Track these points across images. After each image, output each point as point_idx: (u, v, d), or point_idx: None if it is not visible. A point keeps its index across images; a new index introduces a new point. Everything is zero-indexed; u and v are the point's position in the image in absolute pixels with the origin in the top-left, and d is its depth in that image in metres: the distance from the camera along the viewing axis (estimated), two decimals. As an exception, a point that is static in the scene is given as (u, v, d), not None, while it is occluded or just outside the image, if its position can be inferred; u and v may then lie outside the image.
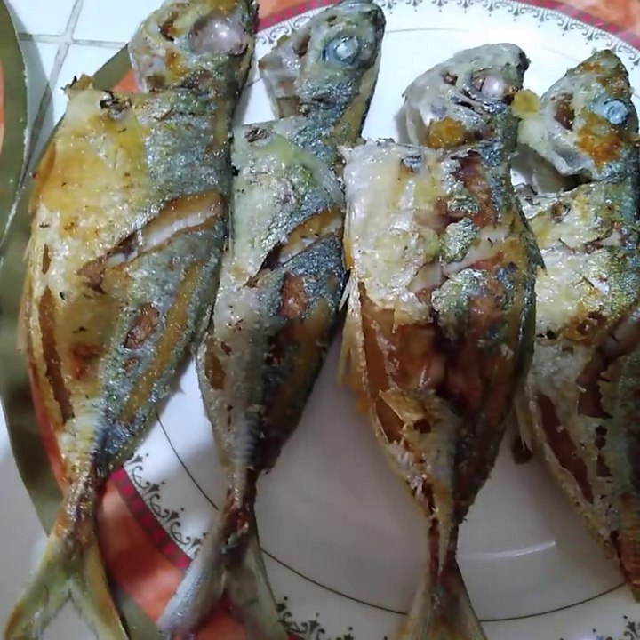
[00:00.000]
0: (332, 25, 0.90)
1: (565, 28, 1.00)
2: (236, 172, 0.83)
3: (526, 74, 0.88)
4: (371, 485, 0.76)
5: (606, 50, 0.92)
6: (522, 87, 0.87)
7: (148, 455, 0.77)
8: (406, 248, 0.74)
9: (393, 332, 0.71)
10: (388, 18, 0.94)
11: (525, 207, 0.81)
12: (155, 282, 0.76)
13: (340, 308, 0.77)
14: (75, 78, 0.84)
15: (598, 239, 0.78)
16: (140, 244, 0.76)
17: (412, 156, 0.78)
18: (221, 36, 0.90)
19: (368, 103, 0.91)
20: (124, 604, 0.68)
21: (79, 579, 0.68)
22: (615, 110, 0.85)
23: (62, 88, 0.83)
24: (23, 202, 0.85)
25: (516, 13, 1.01)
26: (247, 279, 0.78)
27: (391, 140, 0.82)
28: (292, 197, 0.80)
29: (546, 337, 0.75)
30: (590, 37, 0.99)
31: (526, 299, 0.74)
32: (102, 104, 0.80)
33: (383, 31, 0.93)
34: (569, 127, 0.85)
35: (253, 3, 0.94)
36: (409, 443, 0.68)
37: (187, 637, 0.66)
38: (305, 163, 0.83)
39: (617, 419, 0.72)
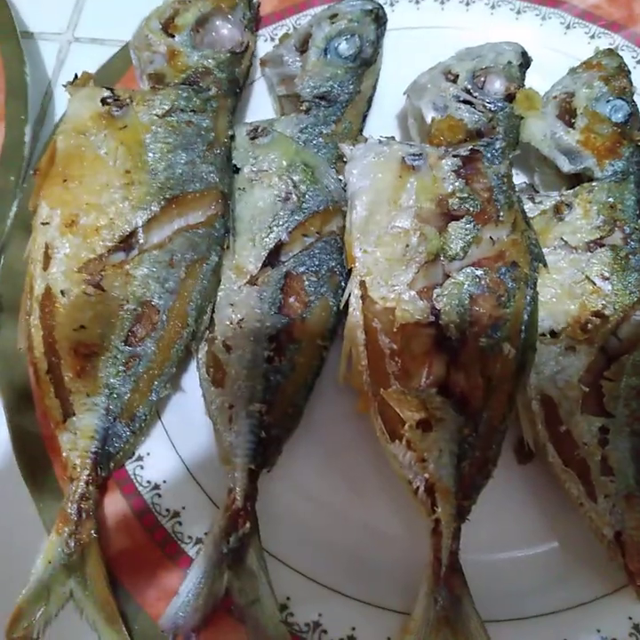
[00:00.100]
0: (333, 23, 0.90)
1: (568, 27, 1.00)
2: (236, 170, 0.83)
3: (528, 72, 0.88)
4: (372, 484, 0.76)
5: (609, 48, 0.91)
6: (524, 85, 0.86)
7: (149, 454, 0.76)
8: (408, 246, 0.74)
9: (394, 330, 0.71)
10: (389, 16, 0.94)
11: (527, 206, 0.81)
12: (155, 280, 0.75)
13: (341, 307, 0.77)
14: (76, 75, 0.84)
15: (601, 238, 0.78)
16: (141, 241, 0.76)
17: (413, 154, 0.78)
18: (223, 33, 0.90)
19: (369, 101, 0.92)
20: (126, 604, 0.68)
21: (80, 578, 0.67)
22: (617, 109, 0.84)
23: (63, 85, 0.83)
24: (24, 199, 0.85)
25: (518, 12, 1.01)
26: (248, 277, 0.77)
27: (392, 137, 0.82)
28: (294, 195, 0.80)
29: (548, 336, 0.74)
30: (593, 36, 0.99)
31: (528, 297, 0.74)
32: (103, 101, 0.80)
33: (385, 29, 0.93)
34: (571, 126, 0.85)
35: (255, 0, 0.94)
36: (411, 442, 0.68)
37: (188, 637, 0.66)
38: (306, 161, 0.82)
39: (620, 418, 0.71)
